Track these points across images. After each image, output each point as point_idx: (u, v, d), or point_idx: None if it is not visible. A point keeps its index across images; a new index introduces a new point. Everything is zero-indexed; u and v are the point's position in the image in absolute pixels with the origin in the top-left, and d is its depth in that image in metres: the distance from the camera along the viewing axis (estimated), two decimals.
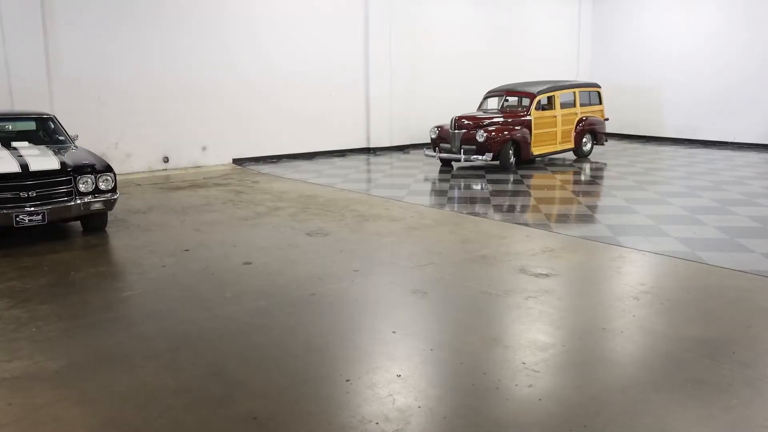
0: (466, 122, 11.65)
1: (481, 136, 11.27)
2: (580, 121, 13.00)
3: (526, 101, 12.30)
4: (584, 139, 13.12)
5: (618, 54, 17.63)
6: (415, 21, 14.64)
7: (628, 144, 16.12)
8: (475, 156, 11.33)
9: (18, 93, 9.84)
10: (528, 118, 11.98)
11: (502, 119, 11.85)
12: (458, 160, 11.66)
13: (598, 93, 13.62)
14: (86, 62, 10.52)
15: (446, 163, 12.23)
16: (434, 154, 12.08)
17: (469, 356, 3.95)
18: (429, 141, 12.39)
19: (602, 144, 13.71)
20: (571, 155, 13.31)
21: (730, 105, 15.36)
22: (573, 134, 12.90)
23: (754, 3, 14.78)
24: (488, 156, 11.24)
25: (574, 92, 13.01)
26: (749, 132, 15.07)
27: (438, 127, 12.24)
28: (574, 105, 12.94)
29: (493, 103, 12.97)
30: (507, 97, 12.70)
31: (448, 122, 12.03)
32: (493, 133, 11.38)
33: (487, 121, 11.69)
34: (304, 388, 3.56)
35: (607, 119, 13.81)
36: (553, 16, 17.54)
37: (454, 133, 11.63)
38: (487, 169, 11.76)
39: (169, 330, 4.41)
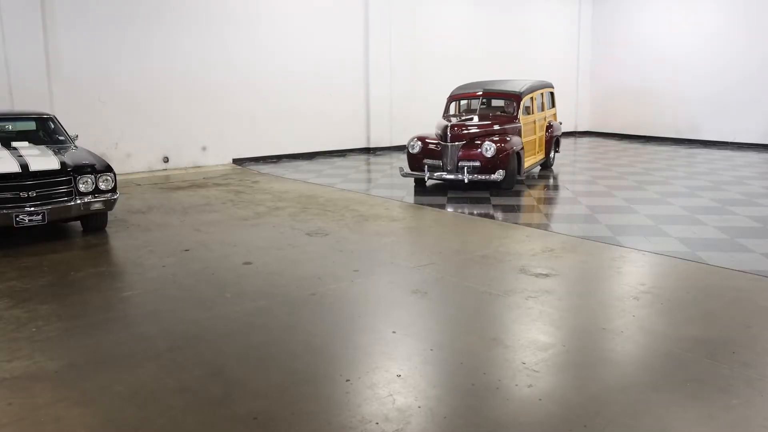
0: (465, 131, 9.46)
1: (489, 149, 9.09)
2: (549, 126, 11.43)
3: (501, 103, 10.49)
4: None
5: (618, 54, 17.64)
6: (415, 21, 14.65)
7: (628, 144, 16.12)
8: (481, 175, 9.13)
9: (18, 93, 9.84)
10: (518, 124, 10.05)
11: (498, 126, 9.79)
12: (461, 182, 9.27)
13: (552, 94, 12.06)
14: (86, 62, 10.52)
15: (420, 182, 9.91)
16: (421, 174, 9.49)
17: (469, 356, 3.95)
18: (407, 155, 9.84)
19: (558, 151, 12.23)
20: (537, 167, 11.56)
21: (730, 105, 15.36)
22: (544, 142, 11.23)
23: (754, 3, 14.78)
24: (500, 174, 9.04)
25: (542, 93, 11.28)
26: (749, 132, 15.08)
27: (420, 138, 9.69)
28: (542, 108, 11.27)
29: (457, 108, 10.91)
30: (483, 99, 10.66)
31: (433, 131, 9.97)
32: (501, 144, 9.22)
33: (486, 130, 9.65)
34: (304, 388, 3.56)
35: (560, 123, 12.46)
36: (553, 17, 17.55)
37: (450, 146, 9.28)
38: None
39: (169, 330, 4.40)
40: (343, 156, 13.72)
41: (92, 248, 6.58)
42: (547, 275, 5.50)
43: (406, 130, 14.51)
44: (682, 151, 14.64)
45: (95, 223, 7.11)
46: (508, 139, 9.43)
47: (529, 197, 9.15)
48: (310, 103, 13.24)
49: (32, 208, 6.34)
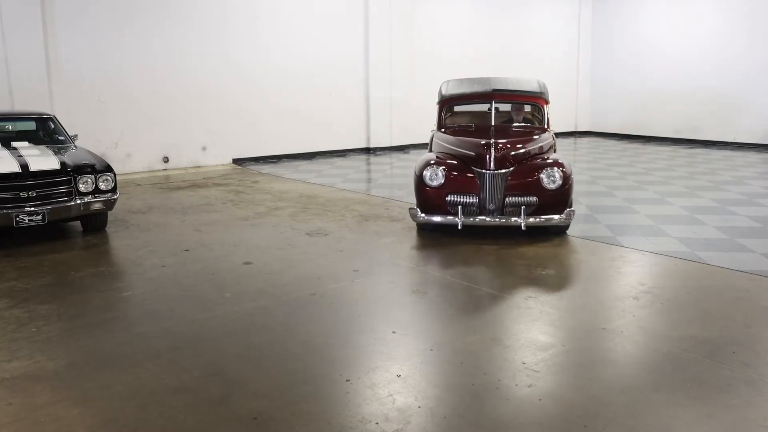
0: (513, 152, 6.62)
1: (554, 177, 6.39)
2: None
3: (507, 108, 8.00)
4: None
5: (618, 54, 17.63)
6: (415, 21, 14.64)
7: (628, 144, 16.12)
8: (541, 217, 6.42)
9: (18, 93, 9.84)
10: (550, 138, 7.43)
11: (545, 144, 7.17)
12: (518, 227, 6.42)
13: None
14: (86, 62, 10.52)
15: (424, 224, 6.83)
16: (449, 220, 6.49)
17: (469, 356, 3.95)
18: (419, 189, 6.71)
19: None
20: None
21: (730, 105, 15.35)
22: None
23: (754, 3, 14.78)
24: (568, 216, 6.44)
25: None
26: (749, 132, 15.07)
27: (441, 164, 6.61)
28: None
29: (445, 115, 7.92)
30: (495, 104, 7.59)
31: (448, 151, 6.97)
32: (564, 170, 6.50)
33: (534, 147, 6.91)
34: (304, 388, 3.56)
35: None
36: (553, 17, 17.55)
37: (493, 175, 6.40)
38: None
39: (169, 330, 4.40)
40: (343, 156, 13.71)
41: (92, 248, 6.58)
42: (547, 275, 5.50)
43: (406, 130, 14.55)
44: (682, 151, 14.64)
45: (95, 223, 7.11)
46: (561, 161, 6.67)
47: None
48: (310, 103, 13.24)
49: (32, 208, 6.34)
